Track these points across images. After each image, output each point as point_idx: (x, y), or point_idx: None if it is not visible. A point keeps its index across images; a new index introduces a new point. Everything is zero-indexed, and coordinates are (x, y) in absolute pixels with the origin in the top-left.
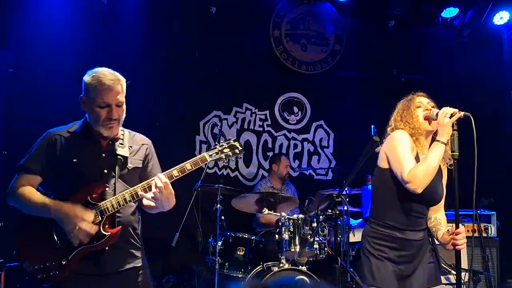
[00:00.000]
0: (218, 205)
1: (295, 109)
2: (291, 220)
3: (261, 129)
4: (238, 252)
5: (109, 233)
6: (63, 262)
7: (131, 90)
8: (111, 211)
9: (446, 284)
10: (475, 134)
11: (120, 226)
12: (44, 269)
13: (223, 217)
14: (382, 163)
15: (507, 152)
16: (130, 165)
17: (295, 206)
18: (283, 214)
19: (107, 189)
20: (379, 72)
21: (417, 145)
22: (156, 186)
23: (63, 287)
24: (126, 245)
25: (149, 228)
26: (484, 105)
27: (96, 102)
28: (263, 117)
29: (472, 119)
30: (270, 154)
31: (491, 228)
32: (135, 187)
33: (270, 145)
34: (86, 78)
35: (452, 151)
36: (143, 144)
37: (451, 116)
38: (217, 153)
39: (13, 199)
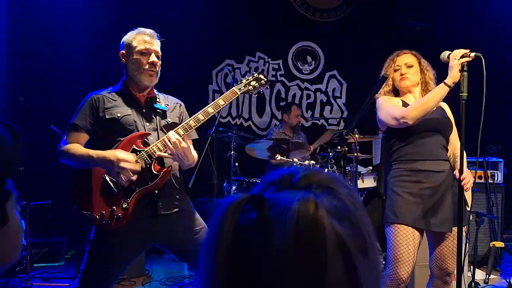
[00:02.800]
0: (232, 152)
1: (309, 59)
2: (303, 166)
3: (274, 78)
4: None
5: (162, 173)
6: (124, 206)
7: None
8: (158, 152)
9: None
10: (485, 75)
11: (170, 165)
12: (109, 215)
13: (236, 164)
14: (381, 126)
15: None
16: (169, 119)
17: (306, 153)
18: (295, 159)
19: (149, 136)
20: (394, 21)
21: (410, 97)
22: (170, 141)
23: (121, 230)
24: (173, 190)
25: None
26: (502, 52)
27: (138, 49)
28: (276, 66)
29: (483, 60)
30: (283, 104)
31: (497, 175)
32: (176, 128)
33: (283, 95)
34: (127, 35)
35: (461, 92)
36: (177, 104)
37: (461, 57)
38: (245, 86)
39: (63, 156)
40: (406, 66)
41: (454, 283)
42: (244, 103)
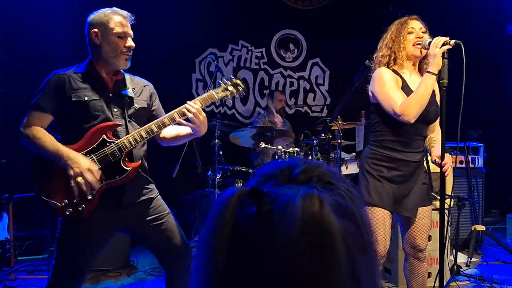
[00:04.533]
0: (216, 140)
1: (291, 46)
2: (287, 153)
3: (257, 67)
4: (236, 184)
5: (130, 168)
6: (89, 197)
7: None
8: (129, 147)
9: (434, 209)
10: (464, 62)
11: (140, 161)
12: (72, 204)
13: (221, 152)
14: (372, 99)
15: (502, 86)
16: (136, 105)
17: (290, 141)
18: (280, 147)
19: (120, 127)
20: (375, 7)
21: (404, 73)
22: (190, 112)
23: (85, 221)
24: (139, 180)
25: (148, 163)
26: (482, 40)
27: (115, 31)
28: (259, 54)
29: (463, 47)
30: (267, 92)
31: (478, 160)
32: (149, 124)
33: (266, 83)
34: (99, 12)
35: (442, 79)
36: (145, 86)
37: (442, 45)
38: (223, 91)
39: (24, 138)
40: (421, 31)
41: (436, 266)
42: None
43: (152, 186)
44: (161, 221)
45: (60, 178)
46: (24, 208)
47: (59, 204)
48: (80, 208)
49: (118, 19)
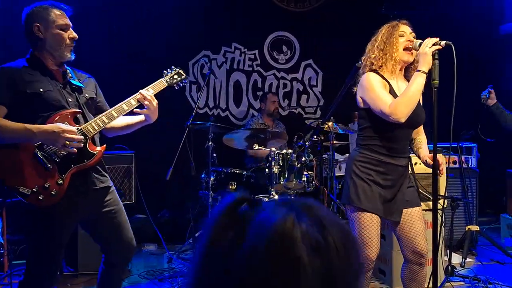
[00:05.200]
0: (210, 143)
1: (284, 48)
2: (281, 155)
3: (250, 69)
4: (230, 187)
5: (97, 151)
6: (59, 182)
7: (118, 32)
8: (93, 132)
9: (425, 210)
10: (455, 63)
11: (105, 145)
12: (44, 190)
13: (214, 154)
14: (361, 105)
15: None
16: (86, 95)
17: (284, 142)
18: (273, 149)
19: (79, 114)
20: (367, 9)
21: (391, 77)
22: (146, 98)
23: (56, 207)
24: (100, 166)
25: (144, 165)
26: (475, 40)
27: (58, 23)
28: (252, 56)
29: (453, 48)
30: (260, 93)
31: (471, 160)
32: (109, 110)
33: (260, 85)
34: (37, 7)
35: (433, 79)
36: (88, 78)
37: (433, 45)
38: (170, 79)
39: None
40: (412, 36)
41: (430, 267)
42: (221, 93)
43: (108, 175)
44: (115, 214)
45: (28, 164)
46: (18, 212)
47: (30, 191)
48: (53, 193)
49: (58, 12)
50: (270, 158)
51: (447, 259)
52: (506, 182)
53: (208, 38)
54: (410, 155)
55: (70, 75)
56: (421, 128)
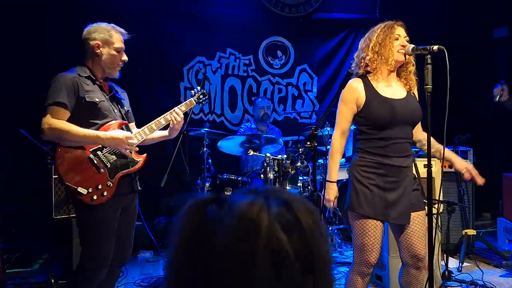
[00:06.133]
0: (205, 149)
1: (279, 53)
2: (276, 160)
3: (245, 74)
4: (225, 192)
5: (141, 159)
6: (109, 184)
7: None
8: (139, 141)
9: None
10: (448, 67)
11: (146, 154)
12: (97, 191)
13: (210, 160)
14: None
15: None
16: (125, 107)
17: (279, 148)
18: (268, 155)
19: (126, 125)
20: (362, 14)
21: (382, 80)
22: (179, 117)
23: (105, 206)
24: (137, 171)
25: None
26: (469, 43)
27: (115, 46)
28: (247, 62)
29: (446, 52)
30: (253, 98)
31: None
32: (150, 123)
33: (254, 90)
34: (101, 26)
35: (426, 84)
36: (124, 92)
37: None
38: (198, 98)
39: (52, 132)
40: (406, 40)
41: (426, 272)
42: (216, 99)
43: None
44: (132, 215)
45: (84, 167)
46: (12, 220)
47: (86, 191)
48: (103, 194)
49: (118, 36)
50: (265, 164)
51: (444, 264)
52: (502, 185)
53: (203, 44)
54: (417, 159)
55: (112, 88)
56: (420, 127)
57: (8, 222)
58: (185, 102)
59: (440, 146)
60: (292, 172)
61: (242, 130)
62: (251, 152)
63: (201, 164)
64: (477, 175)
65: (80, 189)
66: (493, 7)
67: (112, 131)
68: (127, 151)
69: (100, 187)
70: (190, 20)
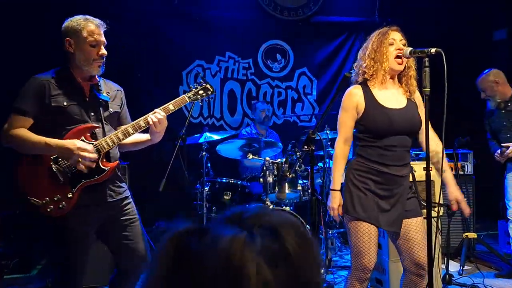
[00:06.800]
0: (204, 153)
1: (278, 57)
2: (275, 164)
3: (244, 77)
4: (224, 197)
5: (108, 167)
6: (69, 195)
7: (110, 42)
8: (107, 148)
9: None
10: (445, 70)
11: (117, 161)
12: (53, 202)
13: (209, 164)
14: None
15: None
16: (111, 109)
17: (278, 151)
18: (267, 158)
19: (97, 129)
20: (361, 17)
21: (381, 87)
22: (155, 118)
23: (67, 218)
24: (116, 178)
25: (137, 177)
26: (468, 46)
27: (88, 40)
28: (246, 65)
29: (443, 55)
30: (254, 102)
31: (467, 166)
32: (125, 126)
33: (254, 94)
34: (71, 21)
35: (424, 87)
36: (117, 90)
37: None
38: (193, 95)
39: (9, 140)
40: (401, 43)
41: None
42: (215, 102)
43: (125, 185)
44: (131, 224)
45: (42, 176)
46: (11, 225)
47: (40, 202)
48: (60, 206)
49: (91, 28)
50: (264, 168)
51: (444, 267)
52: (503, 188)
53: (202, 48)
54: (416, 162)
55: (98, 88)
56: (433, 137)
57: (7, 227)
58: (174, 100)
59: (446, 167)
60: (290, 176)
61: (245, 135)
62: (250, 156)
63: (200, 168)
64: (466, 207)
65: (33, 200)
66: (492, 8)
67: (65, 140)
68: (80, 164)
69: (57, 198)
70: (190, 23)
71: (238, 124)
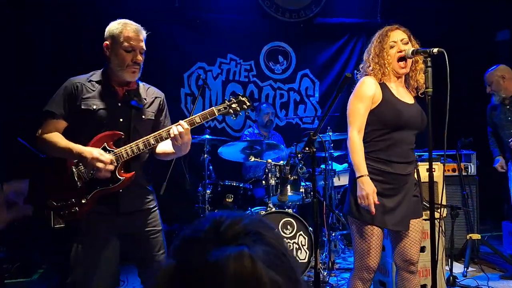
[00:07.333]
0: (206, 155)
1: (280, 59)
2: (277, 167)
3: (246, 79)
4: (226, 200)
5: (124, 178)
6: (83, 201)
7: None
8: (126, 157)
9: (425, 219)
10: (448, 70)
11: (134, 172)
12: (67, 206)
13: (211, 167)
14: None
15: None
16: (144, 116)
17: (281, 154)
18: (270, 161)
19: (122, 137)
20: (363, 18)
21: (389, 83)
22: (177, 131)
23: (83, 223)
24: (139, 189)
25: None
26: (472, 46)
27: (123, 45)
28: (248, 67)
29: (446, 55)
30: (256, 104)
31: (471, 167)
32: (147, 136)
33: (256, 96)
34: (111, 25)
35: (427, 87)
36: (156, 97)
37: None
38: (225, 108)
39: (41, 144)
40: (403, 43)
41: (429, 278)
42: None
43: (152, 196)
44: (152, 237)
45: (62, 179)
46: (12, 229)
47: (55, 204)
48: (73, 210)
49: (128, 33)
50: (267, 170)
51: (448, 269)
52: (506, 188)
53: (203, 50)
54: (419, 163)
55: (135, 94)
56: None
57: (8, 231)
58: (202, 112)
59: None
60: (292, 178)
61: (248, 136)
62: (252, 158)
63: (202, 171)
64: None
65: (49, 202)
66: (492, 9)
67: (85, 147)
68: (95, 173)
69: (71, 202)
70: (191, 25)
71: (240, 127)
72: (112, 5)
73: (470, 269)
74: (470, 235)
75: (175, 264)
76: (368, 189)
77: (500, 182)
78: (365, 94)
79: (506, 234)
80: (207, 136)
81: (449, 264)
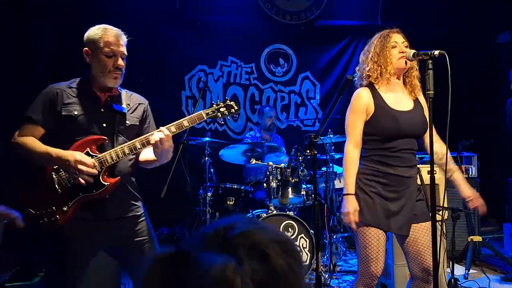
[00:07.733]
0: (207, 158)
1: (281, 61)
2: (278, 169)
3: (247, 82)
4: (228, 202)
5: (108, 183)
6: (64, 208)
7: None
8: (110, 162)
9: None
10: (449, 72)
11: (119, 177)
12: (47, 214)
13: (212, 170)
14: None
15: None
16: (128, 122)
17: (282, 156)
18: (271, 163)
19: (105, 142)
20: (363, 20)
21: (387, 90)
22: (158, 137)
23: (65, 231)
24: (125, 195)
25: (138, 183)
26: (473, 48)
27: (103, 51)
28: (249, 70)
29: (447, 57)
30: (258, 107)
31: (472, 169)
32: (133, 140)
33: (257, 98)
34: (91, 30)
35: (427, 90)
36: (140, 104)
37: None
38: (213, 111)
39: (18, 149)
40: (403, 45)
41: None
42: None
43: (139, 203)
44: (143, 246)
45: (41, 187)
46: (12, 232)
47: (34, 212)
48: (53, 218)
49: (108, 38)
50: (268, 173)
51: (449, 271)
52: (507, 190)
53: (204, 53)
54: (421, 165)
55: (118, 99)
56: (436, 136)
57: (8, 234)
58: (189, 116)
59: (455, 167)
60: (293, 180)
61: (249, 139)
62: (253, 161)
63: (203, 174)
64: (482, 205)
65: (27, 210)
66: (493, 11)
67: (66, 151)
68: (77, 177)
69: (52, 210)
70: (191, 28)
71: (241, 129)
72: (112, 5)
73: (471, 271)
74: (471, 237)
75: (173, 253)
76: (350, 207)
77: (501, 184)
78: (359, 107)
79: (508, 236)
80: (208, 139)
81: (451, 266)
